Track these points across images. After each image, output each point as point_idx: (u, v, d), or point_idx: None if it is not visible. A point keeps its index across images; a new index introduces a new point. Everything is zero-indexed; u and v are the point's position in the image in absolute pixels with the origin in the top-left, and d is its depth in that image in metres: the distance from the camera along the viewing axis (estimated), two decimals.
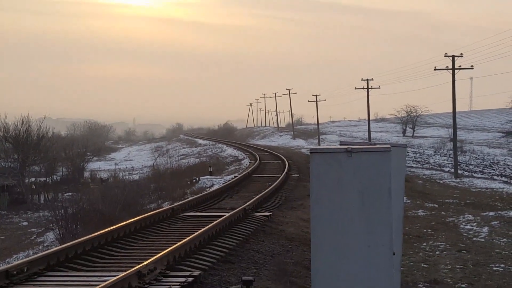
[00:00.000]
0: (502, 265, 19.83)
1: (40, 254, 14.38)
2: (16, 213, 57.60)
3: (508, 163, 65.49)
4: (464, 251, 21.78)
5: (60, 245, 19.65)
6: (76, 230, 34.84)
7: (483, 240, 23.88)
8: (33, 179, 69.63)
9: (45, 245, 37.33)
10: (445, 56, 58.76)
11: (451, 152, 67.26)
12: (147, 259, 13.67)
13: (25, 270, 12.91)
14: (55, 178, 74.02)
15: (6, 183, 64.31)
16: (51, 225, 40.15)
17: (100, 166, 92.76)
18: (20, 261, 13.49)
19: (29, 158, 70.18)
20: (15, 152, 70.57)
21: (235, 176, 40.31)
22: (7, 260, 33.55)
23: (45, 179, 71.48)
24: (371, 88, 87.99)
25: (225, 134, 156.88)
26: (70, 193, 62.22)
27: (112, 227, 17.47)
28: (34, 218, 52.94)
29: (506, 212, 30.93)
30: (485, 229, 25.89)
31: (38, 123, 75.11)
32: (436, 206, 33.15)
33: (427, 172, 56.77)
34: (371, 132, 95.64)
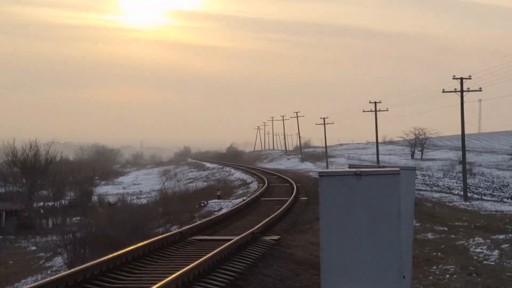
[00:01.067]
0: None
1: (48, 279, 14.32)
2: (24, 238, 57.63)
3: None
4: (474, 274, 21.63)
5: (69, 269, 19.59)
6: (85, 255, 34.84)
7: (493, 263, 23.73)
8: (41, 204, 69.68)
9: (53, 269, 37.32)
10: (453, 78, 58.79)
11: (460, 174, 67.07)
12: (155, 284, 13.61)
13: None
14: (63, 203, 74.07)
15: (14, 208, 64.40)
16: (60, 249, 40.16)
17: (108, 190, 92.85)
18: (28, 286, 13.43)
19: (37, 182, 70.33)
20: (23, 177, 70.74)
21: (243, 200, 40.25)
22: (15, 285, 33.57)
23: (53, 203, 71.56)
24: (379, 110, 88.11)
25: (232, 157, 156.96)
26: (78, 218, 62.27)
27: (120, 252, 17.41)
28: (43, 243, 52.95)
29: None
30: (495, 252, 25.74)
31: (46, 148, 75.40)
32: (446, 229, 33.01)
33: (436, 195, 56.58)
34: (379, 155, 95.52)
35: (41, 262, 42.64)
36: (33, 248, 51.46)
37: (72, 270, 15.24)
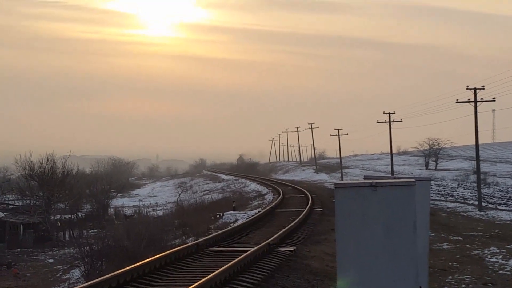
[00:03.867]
0: None
1: None
2: (41, 250, 57.89)
3: None
4: (490, 284, 21.64)
5: (86, 282, 19.77)
6: (102, 267, 34.99)
7: (509, 273, 23.72)
8: (58, 216, 69.91)
9: (71, 282, 37.51)
10: (467, 88, 58.70)
11: (475, 184, 66.89)
12: None
13: None
14: (80, 215, 74.28)
15: (31, 221, 64.68)
16: (77, 262, 40.33)
17: (124, 203, 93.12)
18: None
19: (54, 195, 70.53)
20: (40, 190, 70.99)
21: (259, 211, 40.35)
22: None
23: (70, 216, 71.77)
24: (393, 121, 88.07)
25: (248, 169, 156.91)
26: (95, 230, 62.52)
27: (137, 264, 17.57)
28: (60, 255, 53.17)
29: None
30: (511, 261, 25.73)
31: (62, 161, 75.51)
32: (461, 239, 32.98)
33: (450, 205, 56.47)
34: (393, 166, 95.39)
35: (58, 275, 42.82)
36: (51, 260, 51.68)
37: (90, 282, 15.41)
